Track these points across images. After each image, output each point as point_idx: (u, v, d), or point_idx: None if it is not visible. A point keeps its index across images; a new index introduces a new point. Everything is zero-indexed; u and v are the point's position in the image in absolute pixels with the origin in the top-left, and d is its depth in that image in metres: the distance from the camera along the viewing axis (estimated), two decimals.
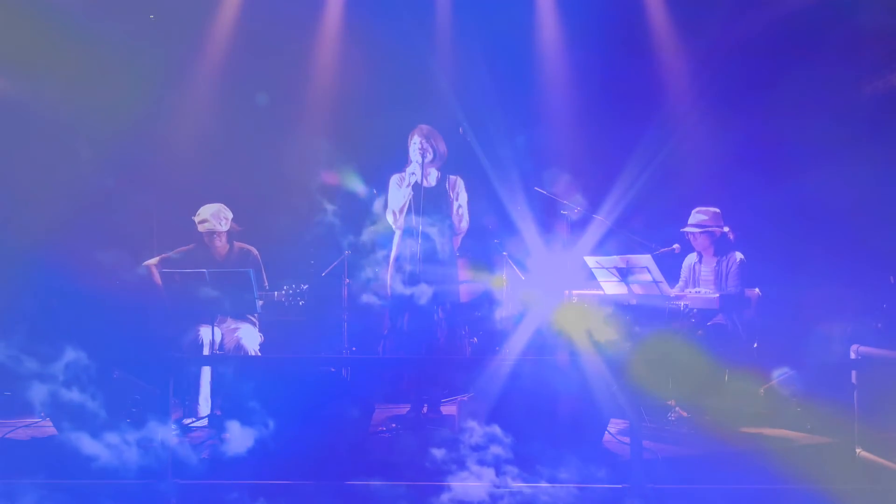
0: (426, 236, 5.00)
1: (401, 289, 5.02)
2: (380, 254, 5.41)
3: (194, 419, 4.90)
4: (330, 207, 6.48)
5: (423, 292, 4.95)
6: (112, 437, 3.99)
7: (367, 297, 5.58)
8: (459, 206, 5.18)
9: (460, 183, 5.25)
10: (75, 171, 5.87)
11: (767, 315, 5.15)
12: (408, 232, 5.07)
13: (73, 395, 4.12)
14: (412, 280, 4.97)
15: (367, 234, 5.86)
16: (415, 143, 5.10)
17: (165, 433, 4.00)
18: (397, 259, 5.14)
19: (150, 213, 6.38)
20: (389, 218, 5.18)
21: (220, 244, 5.18)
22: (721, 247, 5.17)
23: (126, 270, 5.38)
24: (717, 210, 5.19)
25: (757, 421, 4.85)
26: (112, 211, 6.06)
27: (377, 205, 5.40)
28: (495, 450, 4.04)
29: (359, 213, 6.26)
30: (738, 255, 5.10)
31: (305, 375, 4.35)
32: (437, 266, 5.04)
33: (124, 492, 3.83)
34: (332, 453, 4.07)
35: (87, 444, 3.99)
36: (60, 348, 4.15)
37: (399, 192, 5.12)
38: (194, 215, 5.19)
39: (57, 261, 5.50)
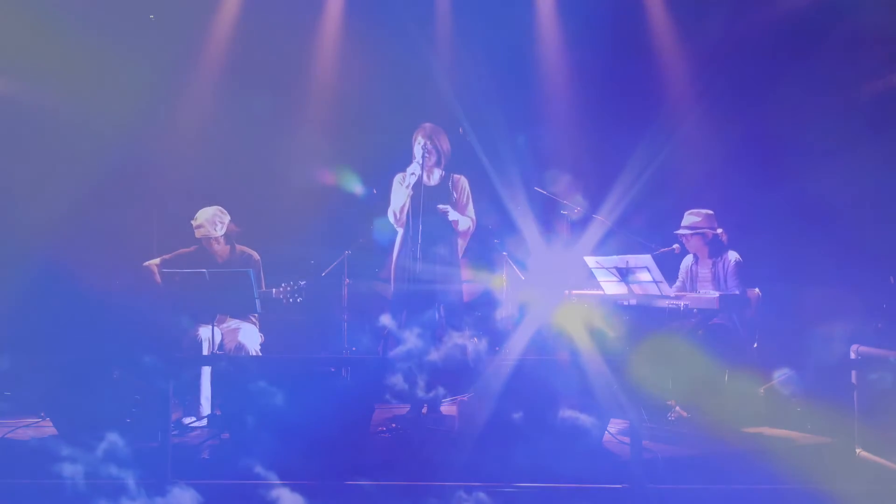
0: (427, 236, 4.99)
1: (402, 288, 5.01)
2: (381, 254, 5.40)
3: (194, 419, 4.90)
4: (330, 207, 6.50)
5: (425, 292, 4.94)
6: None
7: (367, 297, 5.58)
8: (463, 204, 5.14)
9: (464, 182, 5.21)
10: (75, 172, 5.87)
11: (767, 315, 5.14)
12: (409, 232, 5.06)
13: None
14: (413, 280, 4.96)
15: (368, 234, 5.87)
16: (419, 143, 5.08)
17: (165, 433, 4.00)
18: (399, 259, 5.13)
19: (151, 213, 6.38)
20: (390, 218, 5.16)
21: (219, 247, 5.16)
22: (714, 249, 5.16)
23: (126, 271, 5.37)
24: (711, 212, 5.17)
25: (757, 421, 4.84)
26: (112, 211, 6.06)
27: (378, 204, 5.39)
28: (494, 450, 4.04)
29: (359, 212, 6.28)
30: (734, 256, 5.09)
31: (305, 375, 4.35)
32: (438, 266, 5.03)
33: (124, 492, 3.82)
34: (332, 453, 4.07)
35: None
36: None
37: (399, 191, 5.10)
38: (192, 219, 5.18)
39: (56, 260, 5.50)
